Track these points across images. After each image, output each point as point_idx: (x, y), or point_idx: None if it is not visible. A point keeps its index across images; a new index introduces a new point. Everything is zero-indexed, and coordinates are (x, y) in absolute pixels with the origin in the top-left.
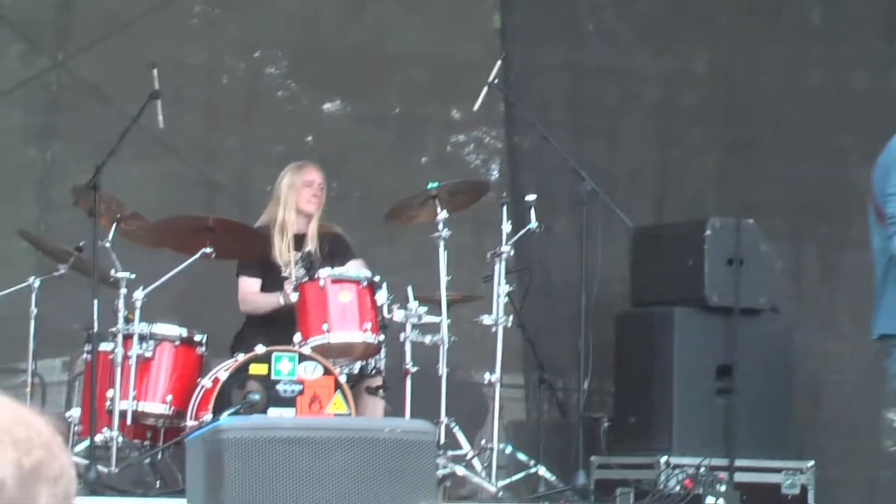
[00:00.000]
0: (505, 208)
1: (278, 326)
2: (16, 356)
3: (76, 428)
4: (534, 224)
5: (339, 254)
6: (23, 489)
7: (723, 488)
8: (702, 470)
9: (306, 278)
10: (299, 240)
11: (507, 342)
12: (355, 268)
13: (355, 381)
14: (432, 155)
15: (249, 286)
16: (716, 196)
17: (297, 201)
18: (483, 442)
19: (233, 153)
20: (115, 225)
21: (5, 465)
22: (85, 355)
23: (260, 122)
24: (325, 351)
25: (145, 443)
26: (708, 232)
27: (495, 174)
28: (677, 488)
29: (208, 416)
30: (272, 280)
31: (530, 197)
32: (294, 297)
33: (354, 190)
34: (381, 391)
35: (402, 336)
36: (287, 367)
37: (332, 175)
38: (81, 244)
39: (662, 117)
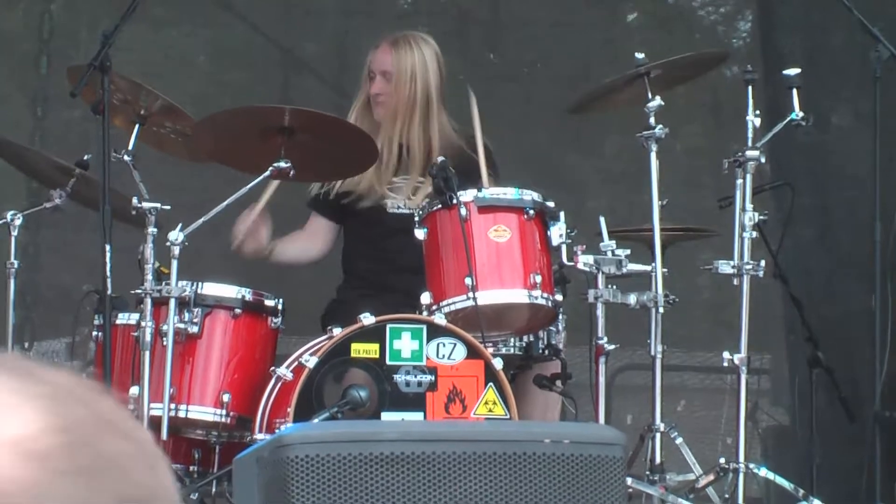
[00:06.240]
0: (750, 89)
1: (395, 286)
2: None
3: None
4: (798, 113)
5: (473, 169)
6: None
7: None
8: None
9: (437, 206)
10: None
11: (757, 302)
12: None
13: (519, 366)
14: (646, 6)
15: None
16: None
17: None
18: (722, 461)
19: (328, 10)
20: (137, 127)
21: None
22: (95, 333)
23: None
24: (471, 320)
25: (191, 468)
26: None
27: (745, 38)
28: None
29: (289, 425)
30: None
31: (792, 71)
32: (420, 233)
33: (520, 65)
34: (558, 383)
35: (590, 295)
36: (410, 346)
37: (482, 41)
38: (86, 157)
39: None
